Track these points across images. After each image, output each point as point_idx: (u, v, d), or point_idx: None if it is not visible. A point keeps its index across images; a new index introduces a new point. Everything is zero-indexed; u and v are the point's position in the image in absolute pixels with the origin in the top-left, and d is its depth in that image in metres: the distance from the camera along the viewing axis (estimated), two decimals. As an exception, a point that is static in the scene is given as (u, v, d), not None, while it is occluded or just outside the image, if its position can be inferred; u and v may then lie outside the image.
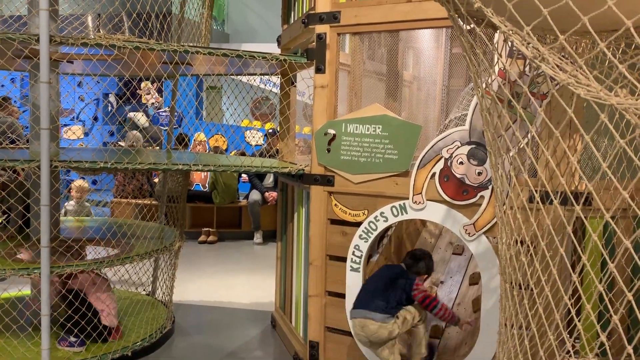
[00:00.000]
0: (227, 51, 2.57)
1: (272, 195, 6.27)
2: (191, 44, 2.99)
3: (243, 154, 6.67)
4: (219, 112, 10.03)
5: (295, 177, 2.82)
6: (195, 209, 6.29)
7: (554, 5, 0.86)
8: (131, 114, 8.51)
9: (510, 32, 0.92)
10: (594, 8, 0.84)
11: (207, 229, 6.23)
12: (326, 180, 2.67)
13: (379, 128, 2.53)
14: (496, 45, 1.33)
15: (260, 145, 9.02)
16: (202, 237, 6.18)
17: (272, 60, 2.66)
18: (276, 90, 11.30)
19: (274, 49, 3.31)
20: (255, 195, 6.24)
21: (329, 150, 2.65)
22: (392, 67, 3.09)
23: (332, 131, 2.63)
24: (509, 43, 1.27)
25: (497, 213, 1.55)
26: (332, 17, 2.60)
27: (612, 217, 1.82)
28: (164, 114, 8.49)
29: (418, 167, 2.44)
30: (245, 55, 2.58)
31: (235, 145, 8.58)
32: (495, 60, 1.35)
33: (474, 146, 2.35)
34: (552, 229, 1.37)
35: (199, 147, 8.57)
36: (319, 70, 2.67)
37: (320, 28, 2.65)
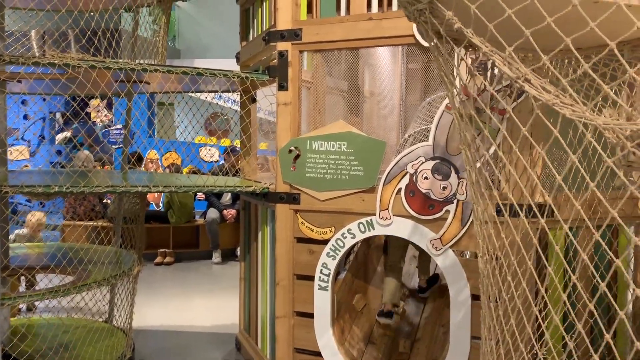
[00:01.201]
0: (187, 69, 2.52)
1: (230, 212, 6.17)
2: (148, 62, 2.92)
3: (195, 173, 6.56)
4: (171, 129, 9.85)
5: (260, 195, 2.78)
6: (150, 230, 6.10)
7: (536, 27, 0.87)
8: (58, 136, 8.23)
9: (492, 52, 0.93)
10: (576, 28, 0.86)
11: (163, 249, 6.06)
12: (292, 198, 2.64)
13: (344, 145, 2.53)
14: (471, 64, 1.34)
15: (216, 162, 8.90)
16: (159, 259, 6.00)
17: (233, 77, 2.62)
18: (229, 105, 11.22)
19: (227, 64, 3.27)
20: (213, 213, 6.12)
21: (294, 168, 2.62)
22: (353, 83, 3.10)
23: (296, 149, 2.61)
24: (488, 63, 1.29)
25: (476, 228, 1.56)
26: (293, 35, 2.59)
27: (576, 228, 1.88)
28: (116, 131, 8.26)
29: (384, 183, 2.45)
30: (206, 73, 2.53)
31: (192, 162, 8.43)
32: (466, 77, 1.35)
33: (438, 161, 2.37)
34: (519, 242, 1.39)
35: (150, 165, 8.35)
36: (282, 87, 2.65)
37: (281, 45, 2.63)
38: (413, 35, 2.37)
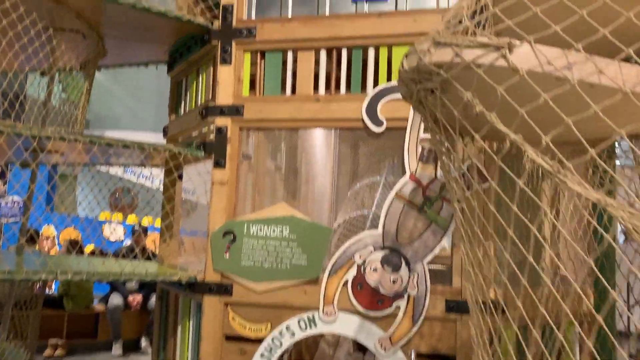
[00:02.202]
0: (112, 140, 2.23)
1: (136, 299, 5.59)
2: (63, 131, 2.59)
3: (102, 253, 5.98)
4: (72, 203, 9.11)
5: (185, 285, 2.45)
6: (42, 317, 5.35)
7: (581, 114, 0.75)
8: None
9: (523, 143, 0.79)
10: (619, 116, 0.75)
11: (55, 340, 5.30)
12: (223, 289, 2.35)
13: (286, 230, 2.32)
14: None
15: (121, 240, 8.25)
16: (49, 351, 5.23)
17: (164, 152, 2.36)
18: (139, 179, 10.66)
19: (140, 137, 3.03)
20: (116, 299, 5.51)
21: (227, 255, 2.35)
22: (292, 164, 2.95)
23: (231, 233, 2.35)
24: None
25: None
26: (234, 111, 2.42)
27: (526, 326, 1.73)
28: (9, 204, 7.43)
29: (329, 274, 2.24)
30: (134, 146, 2.26)
31: (93, 240, 7.73)
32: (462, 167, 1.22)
33: (387, 251, 2.22)
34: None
35: (46, 242, 7.51)
36: (218, 165, 2.42)
37: (220, 121, 2.44)
38: (362, 119, 2.28)
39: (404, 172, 2.38)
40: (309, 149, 3.51)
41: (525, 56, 0.80)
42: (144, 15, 2.37)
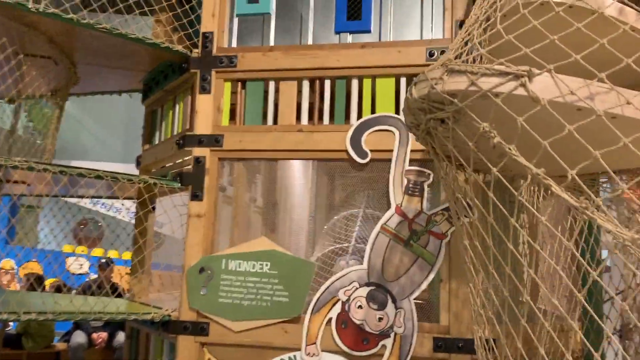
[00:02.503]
0: (83, 171, 2.12)
1: (100, 336, 5.32)
2: (34, 160, 2.46)
3: (59, 289, 5.71)
4: (33, 235, 8.76)
5: (158, 324, 2.31)
6: (-2, 357, 5.04)
7: (609, 147, 0.70)
8: None
9: (546, 178, 0.74)
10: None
11: (11, 383, 4.98)
12: (199, 329, 2.22)
13: (266, 265, 2.22)
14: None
15: (85, 273, 7.94)
16: (4, 395, 4.90)
17: (139, 183, 2.25)
18: (104, 210, 10.33)
19: (107, 167, 2.90)
20: (79, 337, 5.23)
21: (204, 292, 2.23)
22: (271, 196, 2.86)
23: (209, 269, 2.24)
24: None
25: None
26: (213, 141, 2.34)
27: None
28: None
29: (312, 311, 2.14)
30: (107, 177, 2.15)
31: (56, 274, 7.40)
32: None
33: (373, 288, 2.14)
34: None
35: (5, 277, 7.15)
36: (196, 197, 2.32)
37: (198, 151, 2.35)
38: (346, 150, 2.22)
39: (382, 204, 2.33)
40: (287, 180, 3.43)
41: (545, 85, 0.76)
42: (120, 41, 2.28)
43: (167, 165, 2.81)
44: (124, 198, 2.98)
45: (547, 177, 0.73)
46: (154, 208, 2.94)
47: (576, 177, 0.71)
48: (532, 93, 0.74)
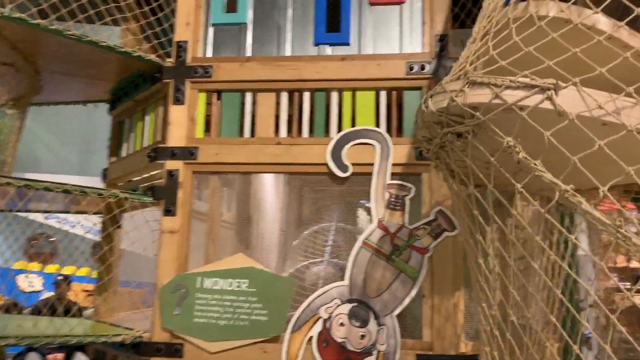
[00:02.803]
0: (50, 185, 2.00)
1: (56, 357, 5.06)
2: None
3: (9, 309, 5.43)
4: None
5: (128, 346, 2.19)
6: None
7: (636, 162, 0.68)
8: None
9: (574, 195, 0.71)
10: None
11: (-43, 410, 4.65)
12: (173, 350, 2.11)
13: (244, 283, 2.14)
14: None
15: (39, 291, 7.58)
16: (-51, 423, 4.57)
17: (110, 197, 2.14)
18: (59, 225, 9.91)
19: (62, 180, 2.76)
20: (33, 358, 4.97)
21: (178, 311, 2.13)
22: (246, 211, 2.78)
23: (183, 287, 2.14)
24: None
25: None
26: (188, 153, 2.25)
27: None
28: None
29: (292, 330, 2.07)
30: (76, 191, 2.03)
31: (6, 292, 7.02)
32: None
33: (355, 304, 2.09)
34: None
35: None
36: (169, 212, 2.23)
37: (171, 164, 2.26)
38: (326, 164, 2.18)
39: (354, 217, 2.29)
40: (260, 194, 3.36)
41: (572, 99, 0.73)
42: (89, 49, 2.18)
43: (135, 179, 2.70)
44: (78, 212, 2.85)
45: (576, 193, 0.71)
46: (119, 224, 2.81)
47: (608, 194, 0.68)
48: (559, 107, 0.71)
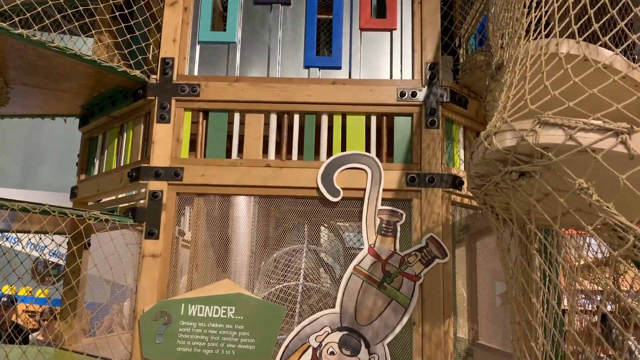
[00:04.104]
0: (27, 205, 1.86)
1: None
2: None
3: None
4: None
5: (103, 378, 2.06)
6: None
7: None
8: None
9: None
10: None
11: None
12: (153, 382, 2.00)
13: (230, 310, 2.06)
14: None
15: (-25, 313, 7.06)
16: None
17: (89, 220, 2.02)
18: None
19: (4, 193, 2.61)
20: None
21: (160, 340, 2.02)
22: (222, 233, 2.70)
23: (165, 314, 2.04)
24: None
25: None
26: (172, 174, 2.16)
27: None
28: None
29: (281, 359, 2.01)
30: (54, 212, 1.90)
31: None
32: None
33: (346, 332, 2.05)
34: None
35: None
36: (151, 235, 2.12)
37: (155, 185, 2.16)
38: (317, 188, 2.15)
39: (326, 238, 2.28)
40: (234, 216, 3.27)
41: (643, 143, 0.74)
42: (70, 62, 2.07)
43: (107, 199, 2.57)
44: (54, 233, 2.68)
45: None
46: (88, 244, 2.67)
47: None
48: (633, 151, 0.72)
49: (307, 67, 2.28)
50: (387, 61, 2.28)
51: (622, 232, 0.74)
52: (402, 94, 2.20)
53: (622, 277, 1.90)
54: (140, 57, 2.34)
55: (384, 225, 2.13)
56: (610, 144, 0.74)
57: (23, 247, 2.41)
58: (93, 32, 2.18)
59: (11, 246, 2.49)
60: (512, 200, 0.88)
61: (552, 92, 0.79)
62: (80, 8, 2.10)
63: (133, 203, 2.29)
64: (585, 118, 0.81)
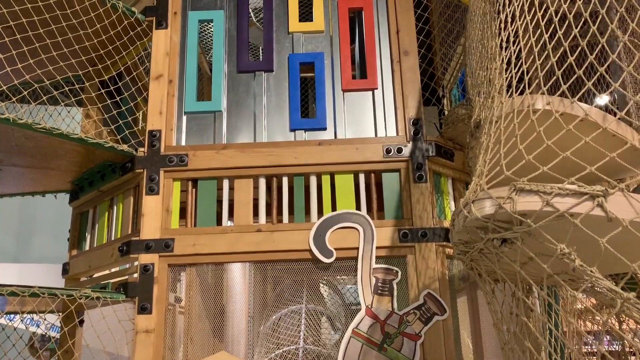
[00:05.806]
0: (16, 289, 1.83)
1: None
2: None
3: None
4: None
5: None
6: None
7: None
8: None
9: (637, 302, 0.71)
10: None
11: None
12: None
13: (229, 384, 1.99)
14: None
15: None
16: None
17: (80, 299, 1.98)
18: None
19: None
20: None
21: (157, 421, 1.95)
22: (216, 300, 2.65)
23: (161, 392, 1.97)
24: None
25: None
26: (163, 246, 2.15)
27: None
28: None
29: None
30: (44, 294, 1.87)
31: None
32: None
33: (348, 399, 1.98)
34: None
35: None
36: (143, 310, 2.08)
37: (146, 258, 2.14)
38: (309, 250, 2.13)
39: (321, 298, 2.23)
40: (228, 282, 3.23)
41: (621, 205, 0.74)
42: (58, 141, 2.09)
43: (100, 274, 2.54)
44: (48, 312, 2.63)
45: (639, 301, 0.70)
46: (81, 321, 2.62)
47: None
48: (611, 214, 0.72)
49: (293, 130, 2.31)
50: (371, 119, 2.32)
51: (610, 294, 0.73)
52: (388, 151, 2.22)
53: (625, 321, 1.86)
54: (127, 131, 2.37)
55: (379, 284, 2.10)
56: (587, 207, 0.74)
57: (14, 329, 2.35)
58: (79, 110, 2.22)
59: (3, 329, 2.43)
60: (497, 266, 0.87)
61: (526, 156, 0.79)
62: (66, 89, 2.14)
63: (126, 277, 2.26)
64: (568, 174, 0.82)
